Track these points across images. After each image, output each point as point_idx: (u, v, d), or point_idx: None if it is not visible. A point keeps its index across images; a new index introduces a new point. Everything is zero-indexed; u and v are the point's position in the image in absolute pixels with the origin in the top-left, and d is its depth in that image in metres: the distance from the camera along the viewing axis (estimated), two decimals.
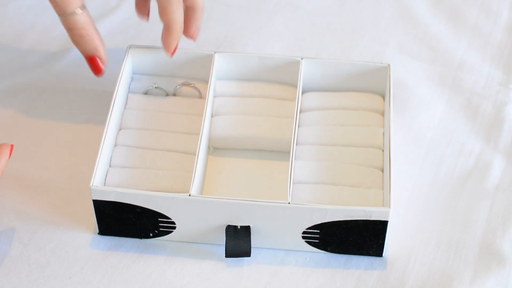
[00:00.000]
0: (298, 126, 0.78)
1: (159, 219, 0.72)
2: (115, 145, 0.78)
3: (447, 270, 0.72)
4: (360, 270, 0.72)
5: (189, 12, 0.80)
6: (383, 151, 0.77)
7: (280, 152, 0.79)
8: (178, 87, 0.82)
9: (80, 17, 0.75)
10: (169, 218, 0.71)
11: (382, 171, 0.76)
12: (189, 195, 0.70)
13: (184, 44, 0.81)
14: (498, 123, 0.84)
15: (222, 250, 0.73)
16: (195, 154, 0.74)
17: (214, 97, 0.81)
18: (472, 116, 0.85)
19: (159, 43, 0.80)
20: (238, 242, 0.71)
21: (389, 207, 0.69)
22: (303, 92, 0.82)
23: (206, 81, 0.81)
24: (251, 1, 0.96)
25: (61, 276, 0.71)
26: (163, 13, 0.77)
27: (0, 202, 0.76)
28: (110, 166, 0.76)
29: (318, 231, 0.71)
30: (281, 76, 0.82)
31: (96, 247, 0.73)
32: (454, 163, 0.80)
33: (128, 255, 0.73)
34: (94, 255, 0.73)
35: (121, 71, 0.79)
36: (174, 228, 0.72)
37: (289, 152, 0.77)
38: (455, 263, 0.73)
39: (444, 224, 0.75)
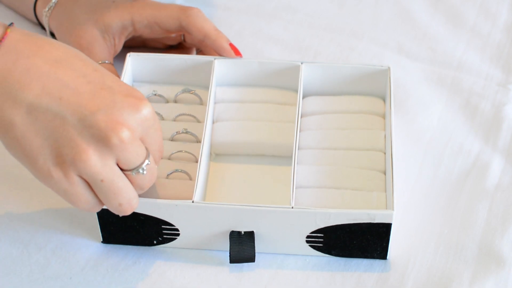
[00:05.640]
0: (300, 131, 0.78)
1: (162, 226, 0.72)
2: None
3: (447, 271, 0.72)
4: (360, 272, 0.72)
5: (207, 41, 0.80)
6: (384, 154, 0.77)
7: (282, 157, 0.79)
8: (178, 93, 0.82)
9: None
10: (173, 225, 0.71)
11: (384, 174, 0.76)
12: (192, 202, 0.70)
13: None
14: (497, 123, 0.84)
15: (223, 253, 0.73)
16: (197, 161, 0.74)
17: (214, 103, 0.81)
18: (471, 116, 0.85)
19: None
20: (242, 247, 0.71)
21: (393, 210, 0.69)
22: (303, 97, 0.82)
23: (206, 87, 0.81)
24: (250, 4, 0.96)
25: (61, 276, 0.71)
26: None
27: (1, 202, 0.76)
28: None
29: (322, 235, 0.71)
30: (281, 81, 0.82)
31: (97, 247, 0.74)
32: (453, 163, 0.80)
33: (128, 255, 0.73)
34: (94, 255, 0.73)
35: (122, 78, 0.79)
36: (178, 235, 0.72)
37: (291, 157, 0.77)
38: (454, 264, 0.73)
39: (443, 225, 0.75)
